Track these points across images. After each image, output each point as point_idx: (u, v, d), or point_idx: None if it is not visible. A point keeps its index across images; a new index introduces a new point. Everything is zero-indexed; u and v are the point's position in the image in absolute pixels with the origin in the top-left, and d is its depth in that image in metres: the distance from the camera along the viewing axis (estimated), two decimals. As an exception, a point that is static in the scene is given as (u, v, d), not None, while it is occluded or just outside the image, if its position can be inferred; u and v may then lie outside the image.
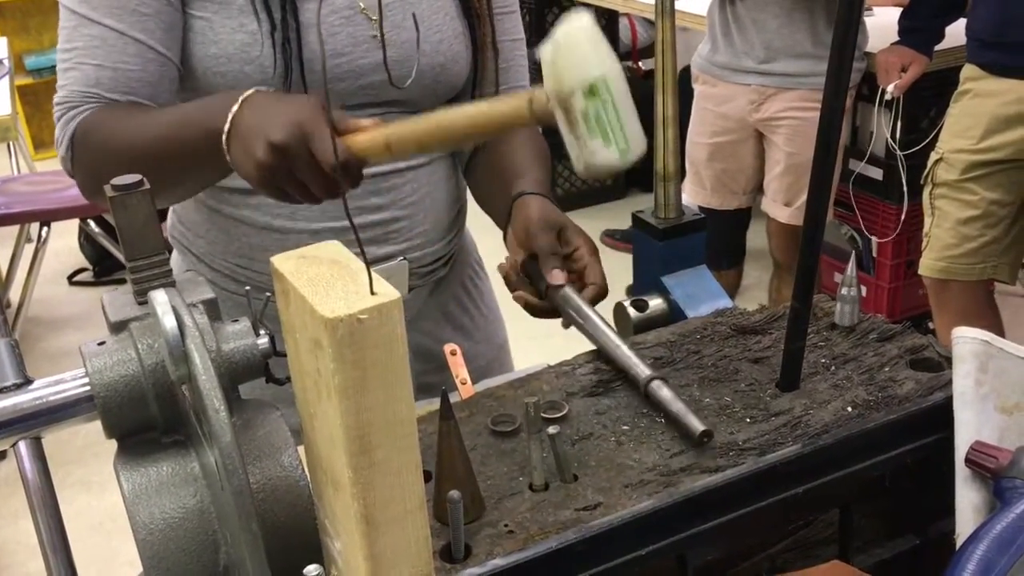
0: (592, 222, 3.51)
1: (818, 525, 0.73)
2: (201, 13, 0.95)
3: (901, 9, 2.53)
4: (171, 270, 0.72)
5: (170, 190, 0.97)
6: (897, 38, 2.30)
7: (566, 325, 0.95)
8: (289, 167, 0.77)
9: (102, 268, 3.76)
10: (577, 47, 0.69)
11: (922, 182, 2.09)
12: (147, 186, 0.70)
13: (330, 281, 0.54)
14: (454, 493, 0.65)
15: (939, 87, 2.22)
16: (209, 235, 1.11)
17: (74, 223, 3.68)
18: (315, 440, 0.60)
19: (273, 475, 0.69)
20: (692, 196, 2.66)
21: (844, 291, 0.89)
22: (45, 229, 3.22)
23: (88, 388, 0.68)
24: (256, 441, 0.70)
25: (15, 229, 3.50)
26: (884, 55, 2.30)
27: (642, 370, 0.82)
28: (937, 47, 2.26)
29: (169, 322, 0.60)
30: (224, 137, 0.82)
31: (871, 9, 2.58)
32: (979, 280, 2.06)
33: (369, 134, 0.78)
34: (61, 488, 2.54)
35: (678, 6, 2.67)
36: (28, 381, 0.69)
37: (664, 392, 0.79)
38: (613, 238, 3.60)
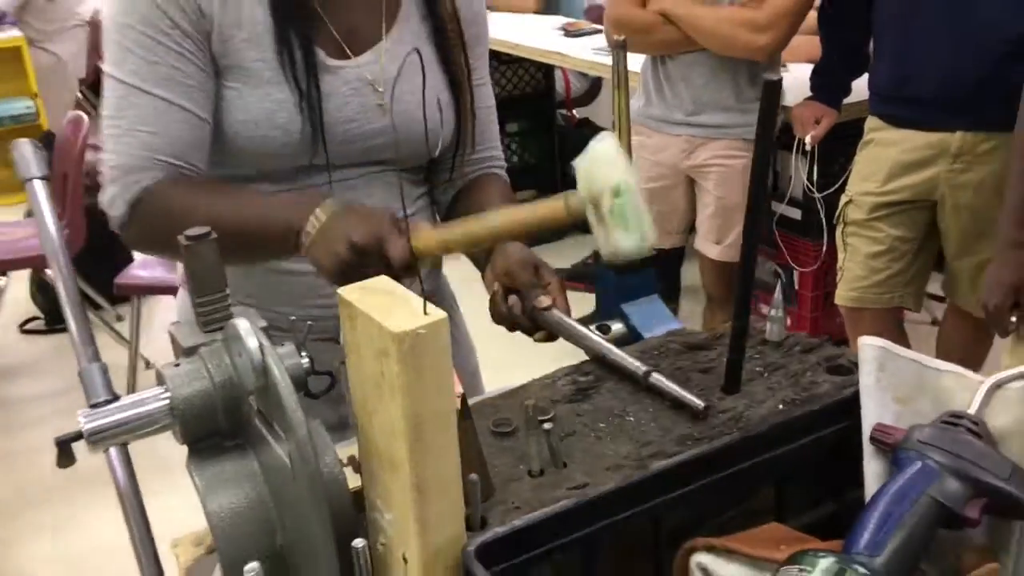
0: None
1: (758, 497, 0.91)
2: (233, 84, 1.11)
3: (812, 65, 2.80)
4: (230, 304, 0.88)
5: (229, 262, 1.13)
6: (810, 93, 2.55)
7: (539, 340, 1.12)
8: (363, 263, 0.94)
9: (53, 317, 3.82)
10: (605, 158, 0.92)
11: (835, 221, 2.32)
12: (214, 236, 0.86)
13: (389, 305, 0.70)
14: (473, 476, 0.82)
15: (849, 135, 2.44)
16: (232, 278, 1.25)
17: (24, 273, 3.74)
18: (372, 433, 0.76)
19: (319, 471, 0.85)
20: None
21: (773, 312, 1.09)
22: (3, 278, 3.29)
23: (168, 402, 0.83)
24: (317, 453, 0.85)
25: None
26: (799, 109, 2.54)
27: (639, 366, 1.00)
28: (846, 100, 2.51)
29: (253, 343, 0.76)
30: (305, 239, 0.99)
31: (786, 65, 2.83)
32: (888, 308, 2.29)
33: (428, 235, 0.97)
34: (23, 531, 2.69)
35: (608, 62, 2.90)
36: (116, 397, 0.83)
37: (663, 380, 0.98)
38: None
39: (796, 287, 2.80)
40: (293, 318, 0.91)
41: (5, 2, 5.07)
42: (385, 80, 1.18)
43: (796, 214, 2.73)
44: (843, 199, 2.31)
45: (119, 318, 3.76)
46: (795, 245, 2.77)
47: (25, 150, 0.87)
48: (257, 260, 1.16)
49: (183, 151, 1.09)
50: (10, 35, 5.08)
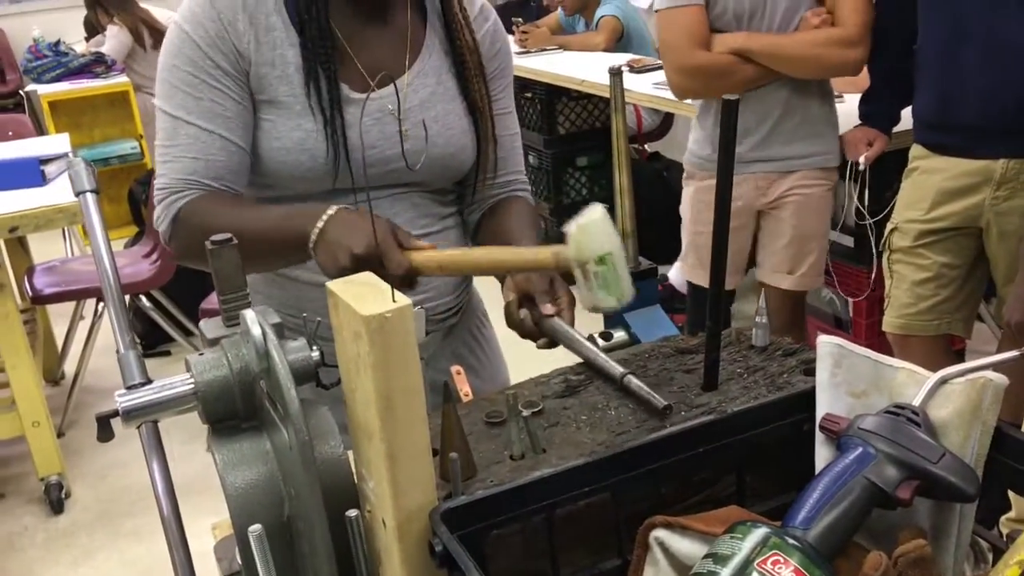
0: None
1: (721, 484, 0.98)
2: (268, 116, 1.26)
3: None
4: (250, 302, 1.00)
5: (252, 268, 1.26)
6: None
7: (542, 347, 1.22)
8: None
9: (150, 341, 4.07)
10: (594, 231, 1.04)
11: (880, 248, 2.35)
12: (236, 242, 0.98)
13: (366, 294, 0.81)
14: (453, 454, 0.92)
15: (901, 163, 2.43)
16: (266, 290, 1.39)
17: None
18: (355, 407, 0.87)
19: (321, 451, 0.96)
20: (693, 277, 2.80)
21: (758, 319, 1.16)
22: (102, 304, 3.54)
23: (192, 386, 0.95)
24: (309, 428, 0.97)
25: (71, 308, 3.83)
26: (851, 133, 2.56)
27: (617, 369, 1.09)
28: (895, 129, 2.53)
29: (256, 330, 0.87)
30: (311, 244, 1.11)
31: (841, 96, 2.86)
32: (936, 335, 2.29)
33: (427, 255, 1.08)
34: (116, 538, 2.91)
35: (669, 96, 2.90)
36: (149, 381, 0.96)
37: (634, 381, 1.07)
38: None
39: (850, 314, 2.81)
40: (305, 314, 1.03)
41: (114, 51, 5.46)
42: (406, 110, 1.30)
43: (848, 242, 2.75)
44: (888, 227, 2.33)
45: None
46: (847, 273, 2.78)
47: (79, 167, 1.02)
48: (278, 264, 1.28)
49: (221, 175, 1.24)
50: (118, 81, 5.47)
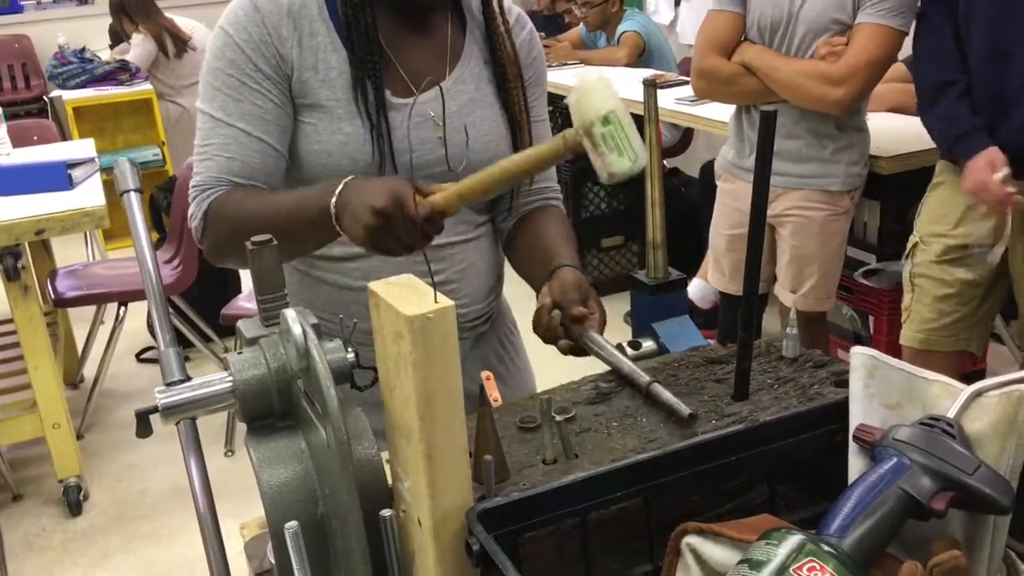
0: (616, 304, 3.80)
1: (753, 493, 0.98)
2: (309, 120, 1.27)
3: (895, 115, 2.80)
4: (288, 302, 1.02)
5: (284, 253, 1.27)
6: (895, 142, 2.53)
7: (564, 349, 1.22)
8: (389, 226, 1.06)
9: (168, 347, 4.09)
10: (592, 91, 1.01)
11: (903, 260, 2.34)
12: (275, 243, 1.00)
13: (408, 296, 0.82)
14: (488, 457, 0.93)
15: (923, 181, 2.39)
16: (300, 293, 1.41)
17: (141, 306, 4.04)
18: (393, 407, 0.88)
19: (356, 451, 0.96)
20: (714, 282, 2.89)
21: (788, 330, 1.17)
22: (123, 308, 3.56)
23: (231, 384, 0.97)
24: (347, 427, 0.97)
25: (91, 312, 3.86)
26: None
27: (643, 377, 1.10)
28: (917, 147, 2.52)
29: (297, 329, 0.88)
30: (332, 211, 1.11)
31: (868, 115, 2.85)
32: (952, 351, 2.29)
33: (446, 191, 1.08)
34: (132, 540, 2.94)
35: (706, 113, 3.05)
36: (189, 378, 0.98)
37: (660, 389, 1.07)
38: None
39: (871, 332, 2.80)
40: (341, 316, 1.04)
41: (138, 59, 5.52)
42: (446, 115, 1.32)
43: (871, 259, 2.75)
44: (911, 240, 2.32)
45: (227, 349, 4.01)
46: (869, 290, 2.78)
47: (124, 167, 1.03)
48: (309, 246, 1.28)
49: (255, 175, 1.25)
50: (141, 88, 5.52)
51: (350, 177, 1.13)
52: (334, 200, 1.11)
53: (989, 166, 2.01)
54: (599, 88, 1.01)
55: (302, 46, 1.26)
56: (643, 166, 1.01)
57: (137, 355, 4.18)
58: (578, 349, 1.22)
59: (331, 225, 1.12)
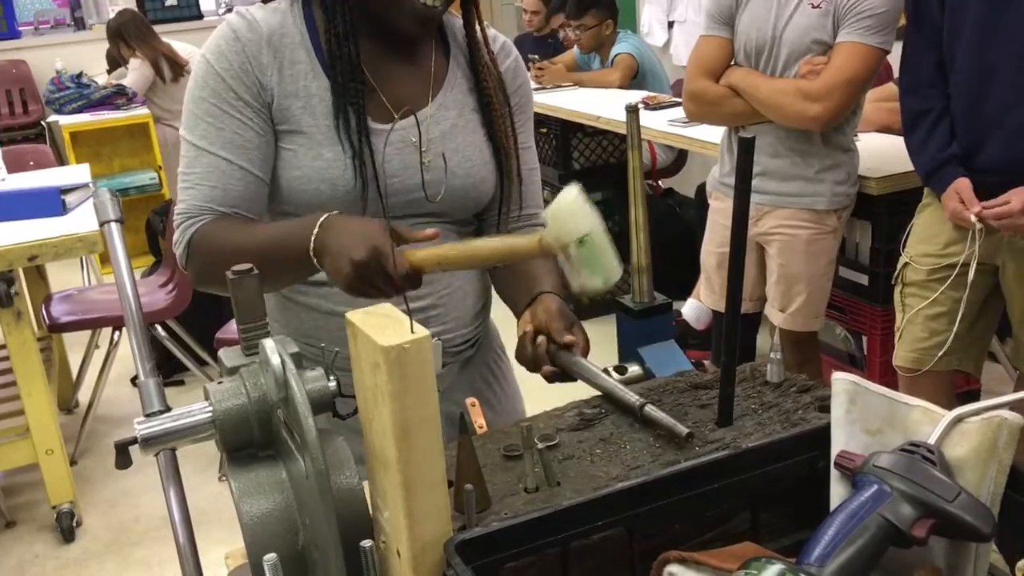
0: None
1: (736, 521, 0.98)
2: (289, 146, 1.28)
3: (884, 135, 2.81)
4: (269, 332, 1.01)
5: (266, 284, 1.27)
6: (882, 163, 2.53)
7: (548, 376, 1.22)
8: (368, 279, 1.07)
9: (164, 370, 4.08)
10: (570, 211, 1.02)
11: (893, 282, 2.34)
12: (256, 272, 1.00)
13: (385, 325, 0.82)
14: (468, 486, 0.92)
15: (914, 201, 2.41)
16: (283, 318, 1.41)
17: (138, 330, 4.04)
18: (371, 437, 0.87)
19: (336, 481, 0.96)
20: (706, 300, 2.90)
21: (772, 355, 1.16)
22: (117, 333, 3.56)
23: (211, 414, 0.96)
24: (326, 457, 0.97)
25: (86, 336, 3.86)
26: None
27: (634, 398, 1.10)
28: (907, 168, 2.52)
29: (276, 359, 0.88)
30: (312, 254, 1.12)
31: (858, 135, 2.87)
32: (946, 370, 2.29)
33: (426, 252, 1.09)
34: (125, 566, 2.92)
35: (698, 135, 3.11)
36: (168, 409, 0.97)
37: (655, 411, 1.07)
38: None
39: (865, 352, 2.80)
40: (323, 345, 1.04)
41: (136, 84, 5.54)
42: (427, 141, 1.32)
43: (863, 279, 2.75)
44: (901, 260, 2.33)
45: (221, 373, 4.00)
46: (862, 310, 2.78)
47: (104, 197, 1.03)
48: (291, 278, 1.29)
49: (238, 203, 1.26)
50: (138, 112, 5.54)
51: (326, 216, 1.14)
52: (312, 242, 1.12)
53: (958, 197, 2.15)
54: (576, 210, 1.02)
55: (282, 73, 1.27)
56: (613, 283, 1.04)
57: (132, 380, 4.16)
58: (562, 376, 1.21)
59: (311, 263, 1.13)
